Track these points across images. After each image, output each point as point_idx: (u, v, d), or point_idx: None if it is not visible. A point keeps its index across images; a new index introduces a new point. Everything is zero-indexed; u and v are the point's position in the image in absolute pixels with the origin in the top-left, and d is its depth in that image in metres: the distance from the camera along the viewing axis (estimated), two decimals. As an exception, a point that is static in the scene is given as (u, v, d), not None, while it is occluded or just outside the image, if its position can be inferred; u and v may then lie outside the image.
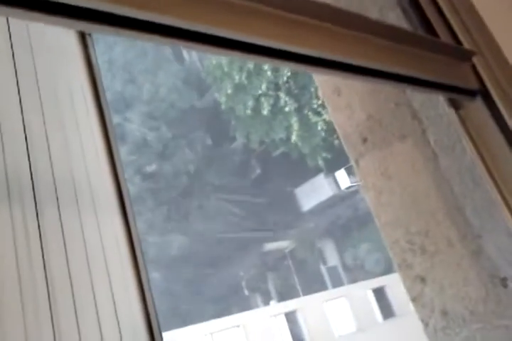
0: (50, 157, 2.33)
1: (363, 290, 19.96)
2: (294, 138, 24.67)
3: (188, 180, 26.77)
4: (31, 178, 2.26)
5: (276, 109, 24.26)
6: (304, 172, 28.59)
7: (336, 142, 25.04)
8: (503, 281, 1.48)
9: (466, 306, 1.56)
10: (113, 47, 26.29)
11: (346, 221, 29.03)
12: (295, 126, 24.32)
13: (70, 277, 2.09)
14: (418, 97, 1.78)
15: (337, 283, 26.86)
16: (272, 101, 24.10)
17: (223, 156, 28.33)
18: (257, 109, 24.47)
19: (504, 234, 1.50)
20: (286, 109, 23.97)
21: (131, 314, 2.17)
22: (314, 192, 29.57)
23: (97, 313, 2.10)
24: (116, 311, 2.13)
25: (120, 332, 2.12)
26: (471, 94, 1.44)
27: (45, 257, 2.11)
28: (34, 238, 2.08)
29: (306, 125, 24.39)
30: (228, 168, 28.36)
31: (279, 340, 16.75)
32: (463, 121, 1.52)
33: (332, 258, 28.94)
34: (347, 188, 28.66)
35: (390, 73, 1.31)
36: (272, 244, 28.12)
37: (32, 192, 2.23)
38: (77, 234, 2.25)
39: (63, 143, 2.50)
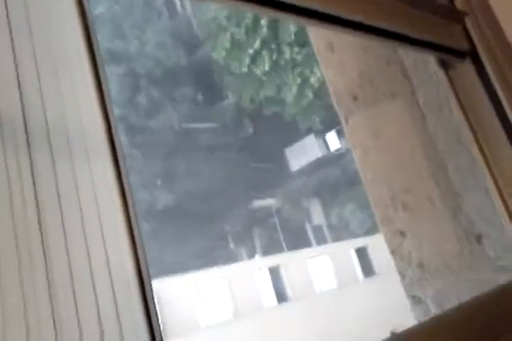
0: (42, 102, 2.34)
1: (346, 249, 20.46)
2: (287, 97, 24.45)
3: (176, 137, 26.69)
4: (24, 122, 2.28)
5: (272, 66, 23.86)
6: (295, 134, 28.58)
7: (328, 103, 24.91)
8: (478, 238, 1.56)
9: (442, 260, 1.64)
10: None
11: (334, 182, 29.30)
12: (290, 84, 24.03)
13: (62, 222, 2.15)
14: (409, 56, 1.80)
15: (321, 241, 27.45)
16: (268, 58, 23.66)
17: (214, 114, 28.14)
18: (252, 67, 24.08)
19: (482, 193, 1.56)
20: (283, 63, 23.52)
21: (122, 262, 2.25)
22: (304, 153, 29.68)
23: (89, 258, 2.18)
24: (107, 258, 2.20)
25: (111, 279, 2.20)
26: (460, 55, 1.46)
27: (38, 202, 2.16)
28: (27, 183, 2.12)
29: (300, 84, 24.15)
30: (219, 125, 28.22)
31: (262, 293, 17.28)
32: (451, 81, 1.54)
33: (318, 217, 29.42)
34: (336, 150, 28.80)
35: (384, 30, 1.32)
36: (259, 202, 28.46)
37: (25, 136, 2.26)
38: (70, 181, 2.29)
39: (56, 90, 2.49)
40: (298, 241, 26.75)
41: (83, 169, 2.27)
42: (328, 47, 2.14)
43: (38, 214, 2.03)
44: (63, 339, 1.93)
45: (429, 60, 1.72)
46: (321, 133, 28.90)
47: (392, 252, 1.80)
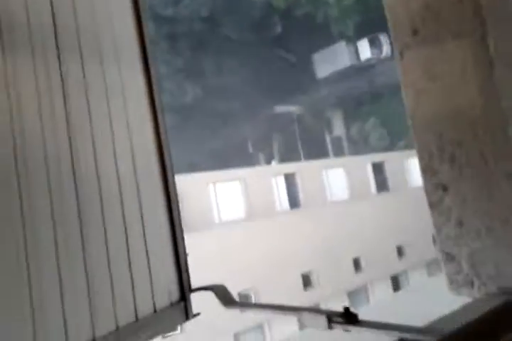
0: (73, 3, 2.15)
1: (363, 163, 20.49)
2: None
3: (205, 29, 25.59)
4: (54, 24, 2.11)
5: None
6: (325, 38, 27.30)
7: (364, 8, 23.40)
8: (530, 205, 1.46)
9: (484, 222, 1.56)
10: None
11: (359, 93, 28.56)
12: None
13: (91, 125, 2.07)
14: (489, -8, 1.57)
15: (339, 153, 27.48)
16: None
17: (243, 8, 26.69)
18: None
19: (544, 159, 1.43)
20: None
21: (149, 161, 2.20)
22: (333, 60, 28.59)
23: (116, 161, 2.13)
24: (133, 152, 2.14)
25: (136, 176, 2.16)
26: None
27: (67, 107, 2.06)
28: (57, 88, 2.01)
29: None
30: (247, 22, 26.91)
31: (276, 198, 17.70)
32: (538, 30, 1.34)
33: (338, 128, 29.14)
34: (366, 60, 27.64)
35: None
36: (281, 107, 28.09)
37: (54, 41, 2.10)
38: (100, 86, 2.18)
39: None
40: (316, 150, 26.83)
41: (114, 75, 2.12)
42: (393, -33, 1.88)
43: (67, 118, 1.93)
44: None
45: (509, 2, 1.49)
46: (352, 41, 27.61)
47: (431, 205, 1.72)
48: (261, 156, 28.47)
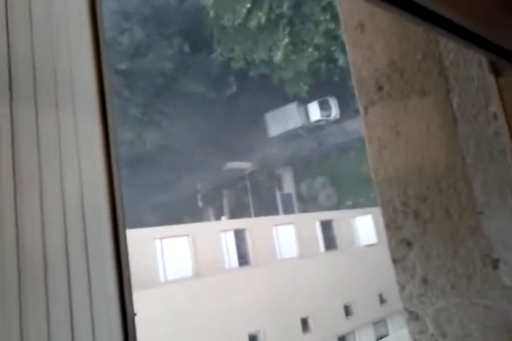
0: (32, 45, 2.08)
1: (312, 221, 20.63)
2: (278, 57, 23.67)
3: (163, 82, 25.90)
4: (9, 66, 2.02)
5: (267, 22, 22.92)
6: (278, 99, 28.17)
7: (321, 71, 24.46)
8: (495, 262, 1.44)
9: (449, 279, 1.53)
10: None
11: (309, 153, 29.26)
12: (283, 44, 23.23)
13: (40, 174, 1.95)
14: (451, 54, 1.63)
15: (289, 210, 27.63)
16: (266, 9, 22.49)
17: (200, 65, 27.33)
18: (246, 21, 23.13)
19: (509, 216, 1.43)
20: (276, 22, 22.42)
21: (99, 211, 2.07)
22: (284, 120, 29.41)
23: (64, 212, 1.99)
24: (82, 201, 2.01)
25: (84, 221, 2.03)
26: (520, 62, 1.30)
27: (15, 149, 1.94)
28: (5, 131, 1.90)
29: (295, 46, 23.50)
30: (204, 78, 27.50)
31: (225, 254, 17.39)
32: (500, 89, 1.39)
33: (288, 186, 29.49)
34: (316, 121, 28.60)
35: (440, 16, 1.13)
36: (233, 163, 28.30)
37: (8, 82, 2.01)
38: (53, 132, 2.08)
39: (48, 34, 2.22)
40: (266, 207, 26.88)
41: (68, 121, 2.01)
42: (358, 26, 1.94)
43: (14, 164, 1.79)
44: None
45: (473, 61, 1.55)
46: (304, 102, 28.62)
47: (395, 261, 1.68)
48: (211, 211, 28.22)
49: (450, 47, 1.61)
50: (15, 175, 1.77)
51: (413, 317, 1.59)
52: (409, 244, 1.65)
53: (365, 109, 1.88)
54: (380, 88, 1.82)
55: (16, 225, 1.68)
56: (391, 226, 1.71)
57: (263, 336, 16.34)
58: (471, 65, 1.54)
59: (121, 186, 2.25)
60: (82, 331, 1.90)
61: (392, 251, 1.69)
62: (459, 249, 1.52)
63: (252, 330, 16.06)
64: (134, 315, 2.18)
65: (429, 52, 1.69)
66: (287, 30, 23.16)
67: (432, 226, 1.60)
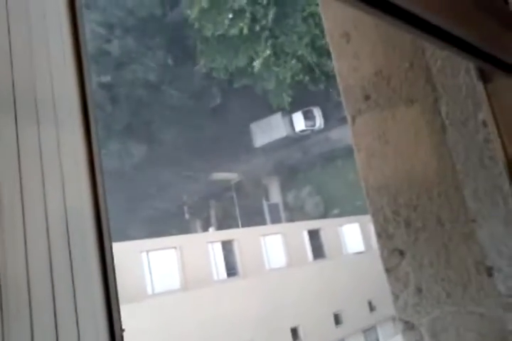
0: (11, 60, 2.05)
1: (299, 230, 20.61)
2: (257, 68, 23.72)
3: (147, 94, 25.85)
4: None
5: (250, 33, 23.03)
6: (263, 109, 28.27)
7: (305, 81, 24.60)
8: (489, 270, 1.43)
9: (443, 287, 1.51)
10: None
11: (294, 162, 29.33)
12: (264, 55, 23.31)
13: (21, 196, 1.91)
14: (438, 61, 1.63)
15: (276, 220, 27.59)
16: (248, 20, 22.61)
17: (184, 77, 27.35)
18: (227, 31, 23.22)
19: (501, 223, 1.43)
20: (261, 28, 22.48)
21: (83, 225, 2.02)
22: (269, 130, 29.50)
23: (47, 223, 1.95)
24: (66, 214, 1.97)
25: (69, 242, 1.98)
26: (508, 68, 1.30)
27: None
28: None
29: (278, 57, 23.63)
30: (188, 90, 27.51)
31: (213, 266, 17.28)
32: (489, 96, 1.39)
33: (275, 195, 29.49)
34: (301, 131, 28.72)
35: (428, 22, 1.12)
36: (219, 174, 28.24)
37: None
38: (34, 147, 2.04)
39: (28, 47, 2.18)
40: (253, 217, 26.81)
41: (50, 135, 1.97)
42: (343, 35, 1.94)
43: None
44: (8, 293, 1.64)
45: (460, 68, 1.55)
46: (288, 113, 28.75)
47: (387, 271, 1.66)
48: (198, 223, 28.07)
49: (437, 56, 1.61)
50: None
51: (408, 326, 1.57)
52: (401, 253, 1.64)
53: (353, 118, 1.87)
54: (367, 97, 1.82)
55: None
56: (382, 235, 1.70)
57: (253, 347, 16.22)
58: (458, 72, 1.54)
59: (106, 199, 2.21)
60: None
61: (385, 261, 1.67)
62: (452, 258, 1.51)
63: (242, 341, 15.93)
64: (122, 331, 2.13)
65: (416, 61, 1.69)
66: (269, 42, 23.28)
67: (424, 234, 1.59)
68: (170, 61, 27.63)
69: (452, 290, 1.49)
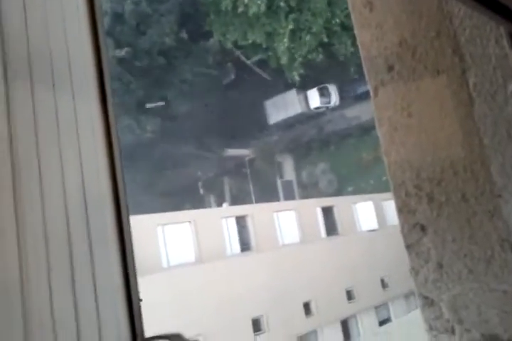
0: (26, 25, 2.00)
1: (313, 207, 20.61)
2: (277, 45, 23.40)
3: (162, 69, 25.73)
4: (2, 41, 1.95)
5: (268, 8, 22.60)
6: (278, 85, 27.97)
7: (319, 59, 24.24)
8: (515, 246, 1.39)
9: (465, 264, 1.48)
10: None
11: (309, 139, 29.12)
12: (283, 33, 22.91)
13: (38, 158, 1.89)
14: (467, 31, 1.56)
15: (289, 196, 27.60)
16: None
17: (199, 52, 27.09)
18: (245, 8, 22.82)
19: (529, 198, 1.38)
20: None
21: (102, 199, 2.01)
22: (284, 107, 29.23)
23: (65, 197, 1.94)
24: (84, 187, 1.96)
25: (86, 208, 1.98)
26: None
27: (12, 133, 1.88)
28: (0, 107, 1.83)
29: (294, 33, 23.21)
30: (203, 66, 27.28)
31: (227, 240, 17.41)
32: (521, 66, 1.33)
33: (289, 173, 29.42)
34: (316, 108, 28.42)
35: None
36: (233, 150, 28.20)
37: (2, 63, 1.94)
38: (50, 114, 2.01)
39: (42, 10, 2.14)
40: (267, 194, 26.87)
41: (66, 102, 1.94)
42: (366, 4, 1.87)
43: (11, 145, 1.71)
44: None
45: (490, 38, 1.49)
46: (303, 90, 28.42)
47: (408, 247, 1.63)
48: (212, 198, 28.21)
49: (466, 24, 1.54)
50: (13, 158, 1.70)
51: (428, 302, 1.55)
52: (423, 228, 1.61)
53: (375, 89, 1.82)
54: (390, 68, 1.76)
55: (16, 211, 1.63)
56: (404, 210, 1.66)
57: (266, 320, 16.44)
58: (488, 42, 1.48)
59: (123, 171, 2.19)
60: (87, 319, 1.86)
61: (405, 236, 1.64)
62: (476, 234, 1.47)
63: (255, 315, 16.15)
64: (140, 300, 2.14)
65: (442, 30, 1.63)
66: (290, 17, 22.84)
67: (447, 210, 1.55)
68: (185, 35, 27.35)
69: (475, 267, 1.46)
